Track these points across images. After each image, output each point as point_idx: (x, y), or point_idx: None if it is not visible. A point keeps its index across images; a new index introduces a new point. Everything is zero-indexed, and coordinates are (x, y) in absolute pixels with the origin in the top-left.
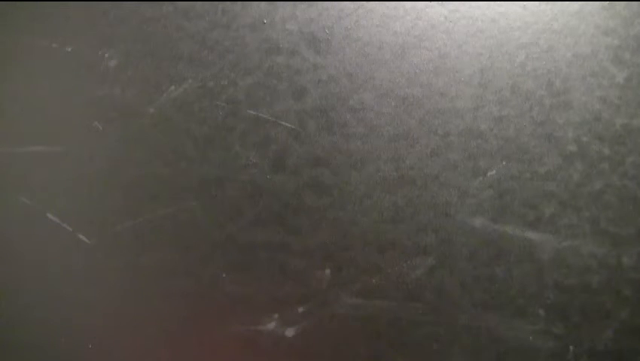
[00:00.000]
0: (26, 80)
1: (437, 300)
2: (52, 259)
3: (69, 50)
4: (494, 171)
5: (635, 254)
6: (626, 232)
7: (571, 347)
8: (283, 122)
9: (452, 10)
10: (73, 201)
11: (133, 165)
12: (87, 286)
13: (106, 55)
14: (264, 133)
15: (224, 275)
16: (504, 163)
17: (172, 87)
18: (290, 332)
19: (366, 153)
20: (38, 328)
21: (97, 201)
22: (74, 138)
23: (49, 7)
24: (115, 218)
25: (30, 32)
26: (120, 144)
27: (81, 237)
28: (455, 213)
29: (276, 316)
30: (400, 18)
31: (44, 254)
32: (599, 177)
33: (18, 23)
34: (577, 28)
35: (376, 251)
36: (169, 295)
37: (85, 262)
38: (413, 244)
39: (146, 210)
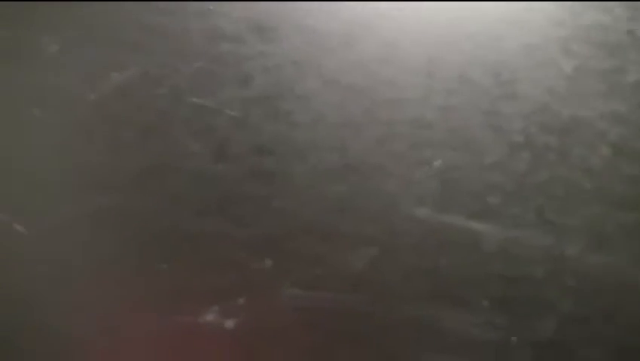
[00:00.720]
0: None
1: (379, 291)
2: None
3: (7, 35)
4: (439, 161)
5: (579, 245)
6: (571, 222)
7: (513, 338)
8: (227, 110)
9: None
10: (9, 190)
11: (72, 153)
12: (24, 277)
13: (45, 40)
14: (207, 121)
15: (164, 266)
16: (449, 153)
17: (114, 74)
18: (229, 324)
19: (311, 142)
20: None
21: (34, 190)
22: (11, 125)
23: None
24: (53, 207)
25: None
26: (60, 132)
27: (17, 227)
28: (399, 203)
29: (216, 307)
30: (349, 7)
31: None
32: (545, 167)
33: None
34: (527, 18)
35: (319, 241)
36: (107, 285)
37: (22, 252)
38: (357, 235)
39: (85, 200)
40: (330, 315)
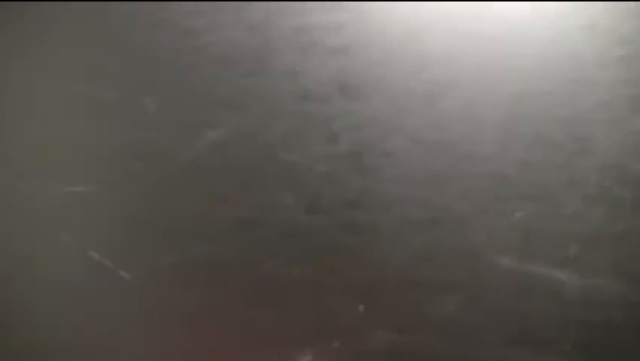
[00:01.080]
0: (68, 124)
1: (465, 336)
2: (93, 294)
3: (109, 94)
4: (520, 213)
5: None
6: None
7: None
8: (317, 166)
9: (479, 60)
10: (113, 240)
11: (171, 206)
12: (126, 321)
13: (145, 100)
14: (298, 176)
15: (261, 312)
16: (529, 205)
17: (209, 131)
18: None
19: (397, 196)
20: None
21: (136, 239)
22: (114, 178)
23: (89, 53)
24: (154, 256)
25: (71, 78)
26: (159, 185)
27: (121, 273)
28: (483, 252)
29: (311, 350)
30: (429, 67)
31: (85, 289)
32: (621, 219)
33: (59, 70)
34: (598, 77)
35: (407, 288)
36: (206, 331)
37: (124, 297)
38: (443, 282)
39: (184, 249)
40: (419, 358)
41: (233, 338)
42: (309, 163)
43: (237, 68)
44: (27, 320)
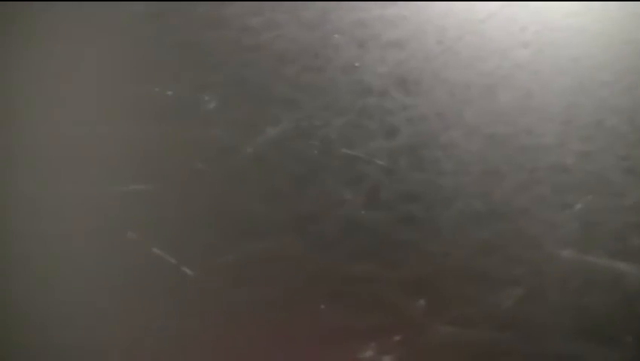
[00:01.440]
0: (133, 125)
1: (526, 329)
2: (157, 291)
3: (170, 93)
4: (580, 204)
5: None
6: None
7: None
8: (376, 160)
9: (537, 51)
10: (176, 237)
11: (233, 202)
12: (189, 316)
13: (205, 98)
14: (358, 170)
15: (322, 307)
16: (589, 196)
17: (268, 128)
18: (387, 360)
19: (456, 189)
20: (145, 358)
21: (198, 236)
22: (176, 176)
23: (150, 54)
24: (216, 252)
25: (132, 79)
26: (220, 182)
27: (185, 269)
28: (543, 244)
29: (373, 344)
30: (486, 59)
31: (150, 286)
32: None
33: (120, 71)
34: None
35: (468, 282)
36: (268, 327)
37: (188, 293)
38: (504, 275)
39: (245, 245)
40: (480, 352)
41: (295, 333)
42: (368, 158)
43: (295, 64)
44: (97, 317)
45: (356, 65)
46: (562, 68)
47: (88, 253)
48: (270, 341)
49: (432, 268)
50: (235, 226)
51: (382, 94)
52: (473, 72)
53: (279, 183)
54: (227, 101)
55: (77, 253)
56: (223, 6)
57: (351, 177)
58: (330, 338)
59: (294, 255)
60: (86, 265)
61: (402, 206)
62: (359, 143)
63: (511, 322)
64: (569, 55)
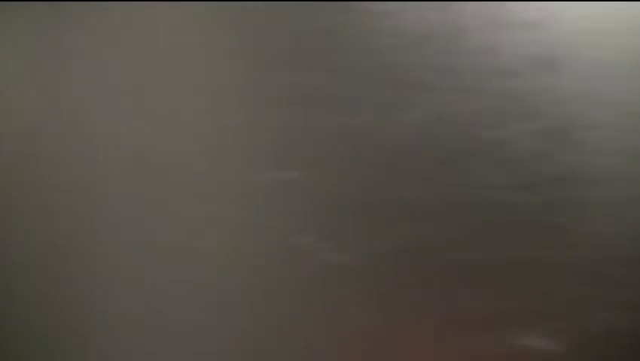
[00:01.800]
0: (278, 114)
1: None
2: (308, 279)
3: (305, 80)
4: None
5: None
6: None
7: None
8: (519, 143)
9: None
10: (326, 225)
11: (376, 188)
12: (344, 305)
13: (344, 83)
14: (501, 154)
15: (476, 293)
16: None
17: (406, 112)
18: (550, 346)
19: (604, 171)
20: (293, 346)
21: (348, 224)
22: (320, 163)
23: (286, 41)
24: (367, 240)
25: (271, 67)
26: (362, 168)
27: (334, 256)
28: None
29: (531, 331)
30: (637, 34)
31: (300, 275)
32: None
33: (259, 59)
34: None
35: (624, 266)
36: (425, 313)
37: (342, 281)
38: None
39: (391, 232)
40: None
41: (450, 320)
42: (512, 140)
43: (432, 47)
44: (260, 303)
45: (493, 46)
46: None
47: (239, 241)
48: (427, 328)
49: (584, 251)
50: (380, 212)
51: (523, 75)
52: (622, 51)
53: (422, 168)
54: (366, 86)
55: (230, 242)
56: None
57: (494, 160)
58: (487, 325)
59: (441, 240)
60: (239, 251)
61: (549, 188)
62: (502, 126)
63: None
64: None
